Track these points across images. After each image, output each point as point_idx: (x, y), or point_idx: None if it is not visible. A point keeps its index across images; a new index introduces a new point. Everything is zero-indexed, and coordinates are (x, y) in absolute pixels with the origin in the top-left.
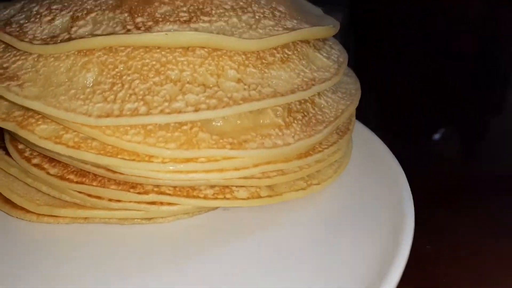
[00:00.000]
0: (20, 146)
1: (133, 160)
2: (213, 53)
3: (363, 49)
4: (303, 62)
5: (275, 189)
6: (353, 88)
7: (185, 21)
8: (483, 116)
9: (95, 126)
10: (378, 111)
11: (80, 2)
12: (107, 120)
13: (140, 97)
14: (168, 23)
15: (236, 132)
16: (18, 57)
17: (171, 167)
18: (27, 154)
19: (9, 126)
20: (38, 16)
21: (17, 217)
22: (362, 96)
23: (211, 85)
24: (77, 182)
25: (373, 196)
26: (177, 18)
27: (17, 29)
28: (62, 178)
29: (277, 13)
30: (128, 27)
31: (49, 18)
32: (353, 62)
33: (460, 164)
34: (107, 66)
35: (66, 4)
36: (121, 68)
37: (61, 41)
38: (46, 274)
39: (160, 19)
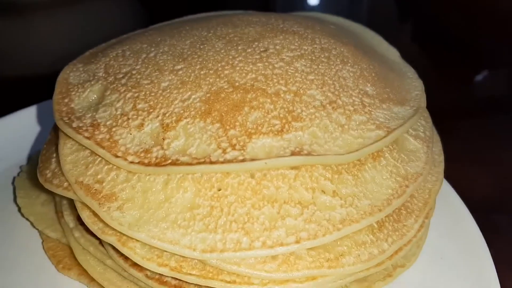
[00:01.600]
0: None
1: (233, 282)
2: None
3: None
4: (394, 154)
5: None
6: (436, 151)
7: (278, 132)
8: None
9: None
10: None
11: (166, 102)
12: (213, 255)
13: (241, 225)
14: (261, 136)
15: (332, 241)
16: (111, 166)
17: None
18: None
19: (109, 240)
20: (125, 118)
21: None
22: None
23: (307, 203)
24: (175, 286)
25: (454, 270)
26: (269, 128)
27: (107, 137)
28: (160, 282)
29: (366, 100)
30: (223, 144)
31: (137, 122)
32: None
33: None
34: (203, 185)
35: (151, 103)
36: (218, 188)
37: (157, 160)
38: None
39: (253, 131)
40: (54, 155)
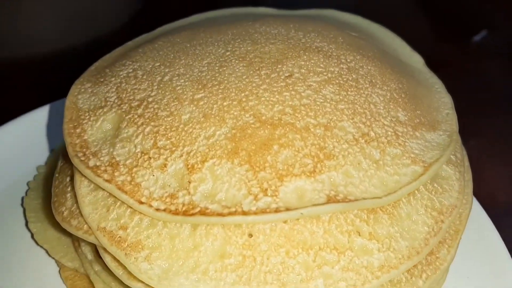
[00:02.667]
0: None
1: None
2: None
3: None
4: (428, 186)
5: None
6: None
7: (310, 173)
8: None
9: None
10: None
11: (189, 138)
12: None
13: (276, 277)
14: (293, 178)
15: None
16: (133, 209)
17: None
18: None
19: (136, 286)
20: (146, 157)
21: None
22: None
23: (343, 248)
24: None
25: None
26: (301, 169)
27: (129, 179)
28: None
29: (399, 129)
30: (254, 190)
31: (159, 162)
32: None
33: None
34: (233, 231)
35: (173, 139)
36: (249, 233)
37: (184, 207)
38: None
39: (284, 173)
40: (69, 188)
